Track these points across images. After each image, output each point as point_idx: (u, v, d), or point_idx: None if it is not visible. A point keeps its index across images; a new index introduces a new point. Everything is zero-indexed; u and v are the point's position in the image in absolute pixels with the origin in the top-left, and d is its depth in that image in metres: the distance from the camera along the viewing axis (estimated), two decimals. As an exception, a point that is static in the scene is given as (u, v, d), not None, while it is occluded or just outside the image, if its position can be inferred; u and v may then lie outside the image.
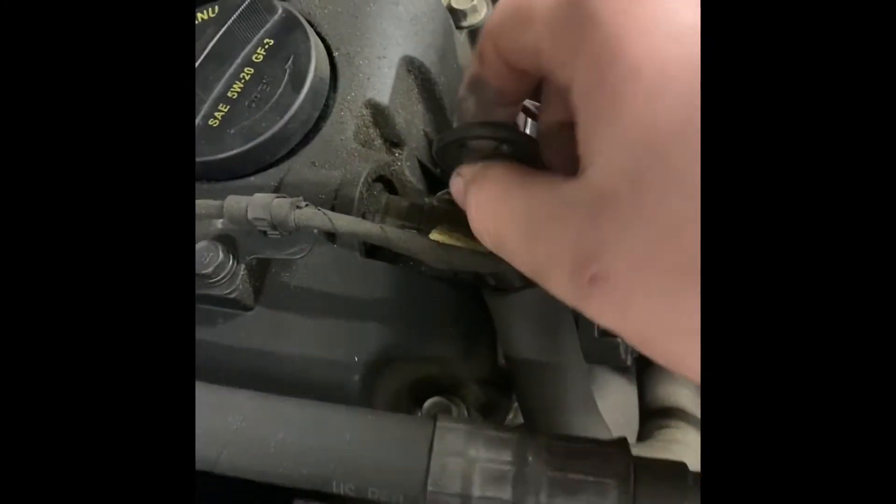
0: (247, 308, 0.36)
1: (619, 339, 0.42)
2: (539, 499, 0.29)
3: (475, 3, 0.48)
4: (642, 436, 0.47)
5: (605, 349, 0.43)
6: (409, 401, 0.39)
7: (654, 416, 0.47)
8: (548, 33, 0.25)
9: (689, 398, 0.47)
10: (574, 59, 0.23)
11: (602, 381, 0.57)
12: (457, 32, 0.49)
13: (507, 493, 0.29)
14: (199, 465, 0.31)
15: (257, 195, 0.34)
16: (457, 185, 0.31)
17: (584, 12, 0.23)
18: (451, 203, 0.41)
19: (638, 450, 0.44)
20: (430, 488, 0.29)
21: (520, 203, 0.26)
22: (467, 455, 0.29)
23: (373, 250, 0.38)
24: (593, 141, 0.23)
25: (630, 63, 0.21)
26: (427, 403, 0.38)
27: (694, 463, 0.30)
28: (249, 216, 0.33)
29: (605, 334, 0.43)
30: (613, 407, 0.54)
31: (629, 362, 0.43)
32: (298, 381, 0.35)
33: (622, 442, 0.30)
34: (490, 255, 0.35)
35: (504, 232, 0.27)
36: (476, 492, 0.29)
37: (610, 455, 0.30)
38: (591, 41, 0.22)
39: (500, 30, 0.27)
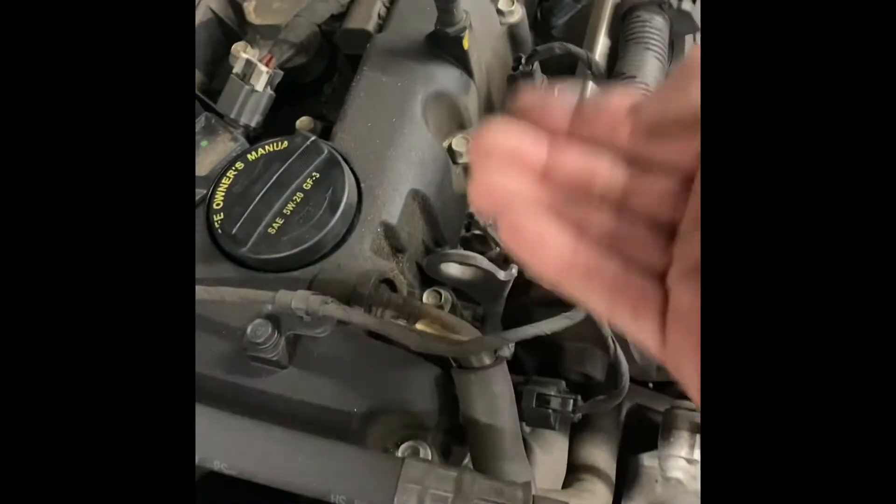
0: (283, 367, 0.51)
1: (550, 410, 0.58)
2: (467, 517, 0.44)
3: (469, 146, 0.65)
4: (565, 485, 0.61)
5: (539, 416, 0.58)
6: (391, 442, 0.54)
7: (575, 470, 0.62)
8: None
9: (604, 459, 0.62)
10: None
11: (550, 441, 0.72)
12: (453, 167, 0.65)
13: (445, 511, 0.44)
14: (244, 476, 0.46)
15: (300, 292, 0.49)
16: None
17: None
18: (435, 299, 0.57)
19: (558, 494, 0.58)
20: (395, 502, 0.44)
21: None
22: (423, 483, 0.44)
23: (374, 333, 0.54)
24: None
25: None
26: (403, 445, 0.53)
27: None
28: (293, 306, 0.49)
29: (540, 405, 0.58)
30: (556, 461, 0.68)
31: (557, 427, 0.58)
32: (313, 422, 0.50)
33: (527, 484, 0.45)
34: (457, 345, 0.51)
35: None
36: (426, 508, 0.44)
37: (517, 491, 0.45)
38: None
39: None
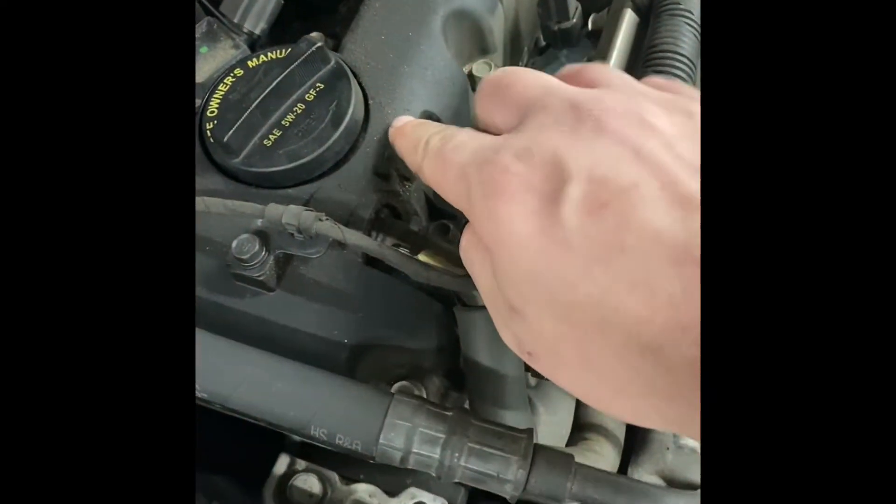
0: (270, 289, 0.47)
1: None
2: (459, 461, 0.39)
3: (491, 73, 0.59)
4: (569, 444, 0.57)
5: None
6: (383, 382, 0.50)
7: (581, 429, 0.57)
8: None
9: (613, 419, 0.57)
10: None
11: (555, 400, 0.67)
12: (472, 95, 0.59)
13: (436, 453, 0.39)
14: (215, 399, 0.42)
15: (291, 206, 0.44)
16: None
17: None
18: (441, 233, 0.52)
19: (561, 453, 0.54)
20: (381, 441, 0.40)
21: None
22: (413, 422, 0.40)
23: (372, 261, 0.49)
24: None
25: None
26: (395, 386, 0.49)
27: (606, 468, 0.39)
28: (283, 220, 0.44)
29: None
30: (561, 422, 0.64)
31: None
32: (299, 351, 0.46)
33: (529, 432, 0.41)
34: (461, 279, 0.46)
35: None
36: (414, 448, 0.39)
37: (517, 438, 0.40)
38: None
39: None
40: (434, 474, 0.40)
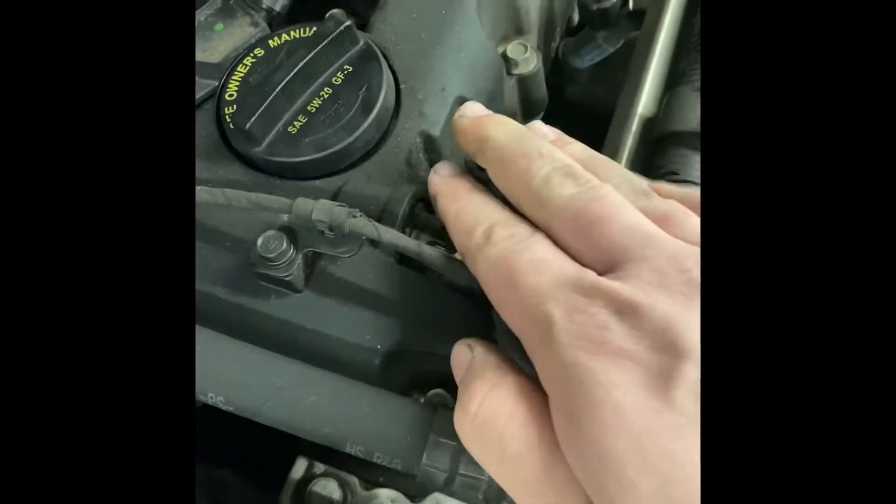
0: (297, 290, 0.43)
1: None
2: (509, 484, 0.36)
3: (528, 55, 0.55)
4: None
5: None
6: (417, 388, 0.47)
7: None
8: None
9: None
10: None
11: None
12: (507, 78, 0.55)
13: (485, 475, 0.36)
14: (243, 413, 0.38)
15: (322, 201, 0.41)
16: (460, 355, 0.35)
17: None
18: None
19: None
20: (424, 461, 0.36)
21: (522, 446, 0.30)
22: (458, 440, 0.37)
23: (404, 259, 0.45)
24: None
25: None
26: (430, 393, 0.46)
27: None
28: (313, 217, 0.40)
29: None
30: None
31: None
32: (329, 357, 0.42)
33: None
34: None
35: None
36: (461, 469, 0.36)
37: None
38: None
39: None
40: (482, 498, 0.37)
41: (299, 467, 0.57)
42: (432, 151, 0.49)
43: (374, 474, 0.56)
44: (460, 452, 0.36)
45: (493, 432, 0.30)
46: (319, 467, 0.58)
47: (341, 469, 0.57)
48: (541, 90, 0.58)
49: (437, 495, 0.55)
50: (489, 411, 0.31)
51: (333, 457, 0.56)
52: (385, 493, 0.56)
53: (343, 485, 0.57)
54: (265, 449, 0.63)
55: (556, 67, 0.66)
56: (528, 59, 0.55)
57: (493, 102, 0.53)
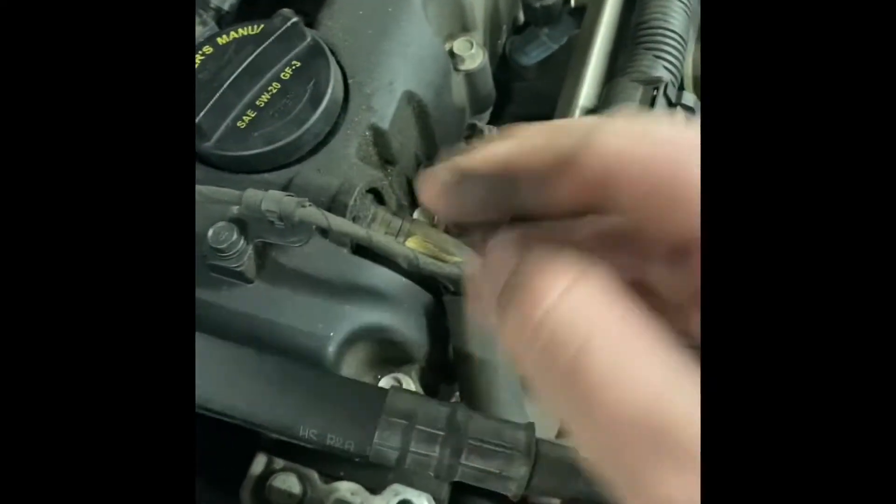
0: (248, 281, 0.44)
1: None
2: (460, 459, 0.37)
3: (473, 50, 0.57)
4: (559, 435, 0.55)
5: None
6: (370, 375, 0.47)
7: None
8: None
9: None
10: None
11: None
12: (454, 74, 0.57)
13: (435, 452, 0.37)
14: (196, 402, 0.39)
15: (271, 191, 0.42)
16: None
17: None
18: (429, 220, 0.50)
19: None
20: (376, 441, 0.37)
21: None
22: (409, 419, 0.38)
23: (358, 248, 0.46)
24: None
25: None
26: (383, 379, 0.46)
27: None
28: (262, 207, 0.41)
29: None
30: (544, 413, 0.62)
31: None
32: (283, 346, 0.43)
33: (531, 426, 0.39)
34: (451, 266, 0.44)
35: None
36: (412, 447, 0.37)
37: (519, 434, 0.38)
38: None
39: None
40: (433, 474, 0.38)
41: (259, 463, 0.57)
42: (381, 144, 0.50)
43: (333, 468, 0.56)
44: (411, 431, 0.37)
45: (575, 338, 0.19)
46: (279, 463, 0.58)
47: (301, 464, 0.57)
48: (487, 86, 0.59)
49: (396, 486, 0.56)
50: (571, 311, 0.20)
51: (293, 453, 0.56)
52: (345, 486, 0.56)
53: (303, 479, 0.57)
54: (223, 448, 0.63)
55: (503, 65, 0.68)
56: (475, 56, 0.57)
57: (441, 96, 0.54)
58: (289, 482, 0.56)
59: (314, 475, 0.57)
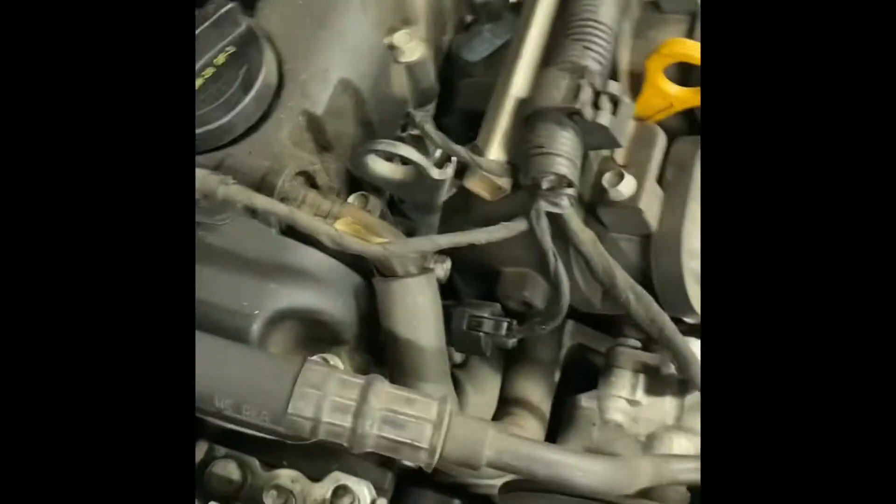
0: (175, 259, 0.44)
1: (481, 333, 0.52)
2: (371, 429, 0.38)
3: (413, 43, 0.58)
4: (494, 418, 0.56)
5: (469, 340, 0.52)
6: (299, 355, 0.48)
7: (506, 403, 0.56)
8: None
9: (538, 394, 0.56)
10: None
11: (482, 379, 0.66)
12: (394, 65, 0.58)
13: (347, 422, 0.38)
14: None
15: (197, 170, 0.42)
16: None
17: None
18: (361, 204, 0.51)
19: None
20: (289, 411, 0.38)
21: None
22: (323, 389, 0.38)
23: (289, 229, 0.47)
24: None
25: None
26: (311, 358, 0.47)
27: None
28: (187, 185, 0.42)
29: (471, 328, 0.52)
30: (488, 402, 0.63)
31: (488, 353, 0.53)
32: (208, 324, 0.43)
33: (444, 398, 0.39)
34: (376, 246, 0.45)
35: None
36: (324, 418, 0.38)
37: (431, 404, 0.39)
38: None
39: None
40: (346, 444, 0.38)
41: (199, 450, 0.57)
42: (316, 130, 0.51)
43: (275, 457, 0.57)
44: (324, 401, 0.38)
45: None
46: (220, 450, 0.58)
47: (243, 453, 0.57)
48: (429, 78, 0.60)
49: (336, 474, 0.56)
50: None
51: (236, 442, 0.57)
52: (285, 473, 0.56)
53: (242, 466, 0.57)
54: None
55: (450, 61, 0.69)
56: (414, 48, 0.58)
57: (378, 86, 0.55)
58: (228, 468, 0.57)
59: (255, 462, 0.57)
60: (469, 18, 0.70)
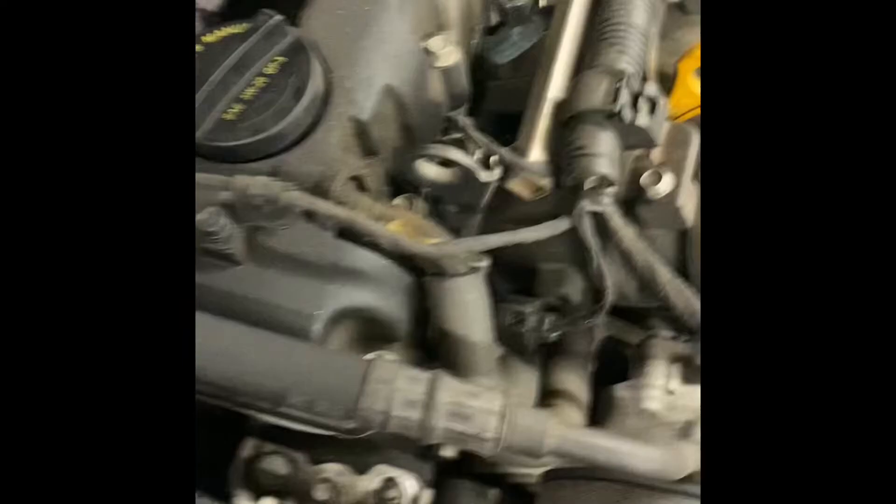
0: (238, 262, 0.46)
1: (525, 329, 0.54)
2: (439, 422, 0.40)
3: (447, 49, 0.60)
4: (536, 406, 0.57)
5: (512, 335, 0.54)
6: (355, 352, 0.50)
7: (547, 396, 0.58)
8: None
9: (577, 385, 0.59)
10: None
11: (517, 374, 0.68)
12: (431, 70, 0.60)
13: (416, 414, 0.40)
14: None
15: (258, 177, 0.44)
16: None
17: None
18: (409, 205, 0.52)
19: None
20: (361, 405, 0.40)
21: None
22: (392, 384, 0.40)
23: (342, 233, 0.49)
24: None
25: None
26: (369, 356, 0.49)
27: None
28: (250, 191, 0.43)
29: (515, 323, 0.54)
30: (523, 394, 0.64)
31: (532, 348, 0.55)
32: (269, 324, 0.45)
33: (505, 392, 0.41)
34: (430, 247, 0.46)
35: None
36: (394, 412, 0.40)
37: (496, 397, 0.41)
38: None
39: None
40: (414, 436, 0.40)
41: (247, 447, 0.59)
42: (362, 136, 0.53)
43: (320, 452, 0.58)
44: (393, 395, 0.40)
45: None
46: (268, 447, 0.60)
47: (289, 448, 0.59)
48: (462, 82, 0.62)
49: (381, 467, 0.58)
50: None
51: (281, 438, 0.58)
52: (331, 467, 0.58)
53: (290, 461, 0.59)
54: (212, 436, 0.65)
55: (478, 64, 0.71)
56: (449, 53, 0.60)
57: (418, 91, 0.57)
58: (276, 464, 0.58)
59: (301, 457, 0.59)
60: (494, 21, 0.71)
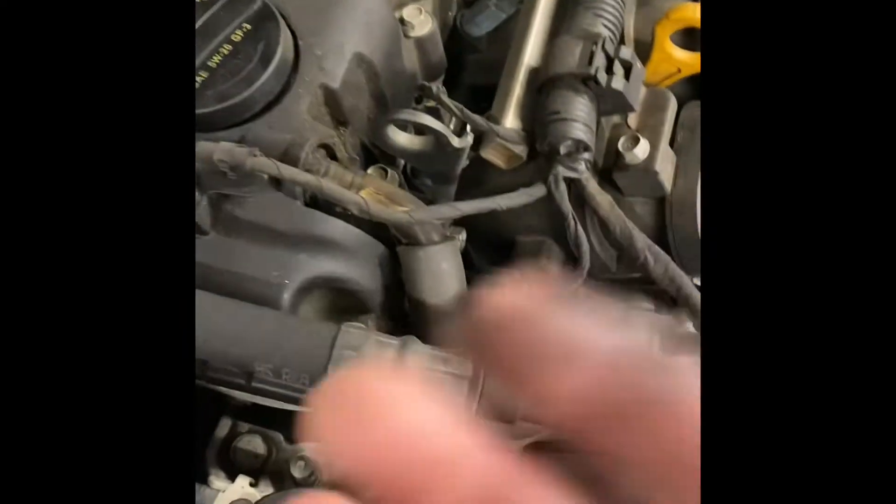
0: (204, 232, 0.45)
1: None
2: (409, 388, 0.39)
3: (422, 17, 0.59)
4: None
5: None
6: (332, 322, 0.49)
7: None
8: None
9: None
10: None
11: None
12: (405, 40, 0.59)
13: (386, 381, 0.39)
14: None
15: (223, 143, 0.43)
16: None
17: None
18: (382, 174, 0.51)
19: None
20: (329, 372, 0.39)
21: None
22: (360, 350, 0.39)
23: (312, 201, 0.48)
24: None
25: None
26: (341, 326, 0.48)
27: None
28: (215, 158, 0.42)
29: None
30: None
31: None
32: (238, 294, 0.44)
33: (477, 356, 0.40)
34: (401, 213, 0.45)
35: None
36: (363, 378, 0.39)
37: (467, 362, 0.40)
38: None
39: None
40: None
41: (223, 426, 0.58)
42: (333, 104, 0.52)
43: (296, 431, 0.58)
44: (362, 361, 0.39)
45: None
46: (244, 426, 0.59)
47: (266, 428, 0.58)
48: (437, 52, 0.61)
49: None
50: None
51: (258, 418, 0.57)
52: (308, 445, 0.57)
53: (267, 440, 0.58)
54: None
55: (455, 37, 0.70)
56: (423, 22, 0.59)
57: (391, 60, 0.56)
58: (254, 443, 0.58)
59: (279, 437, 0.58)
60: (472, -6, 0.70)
